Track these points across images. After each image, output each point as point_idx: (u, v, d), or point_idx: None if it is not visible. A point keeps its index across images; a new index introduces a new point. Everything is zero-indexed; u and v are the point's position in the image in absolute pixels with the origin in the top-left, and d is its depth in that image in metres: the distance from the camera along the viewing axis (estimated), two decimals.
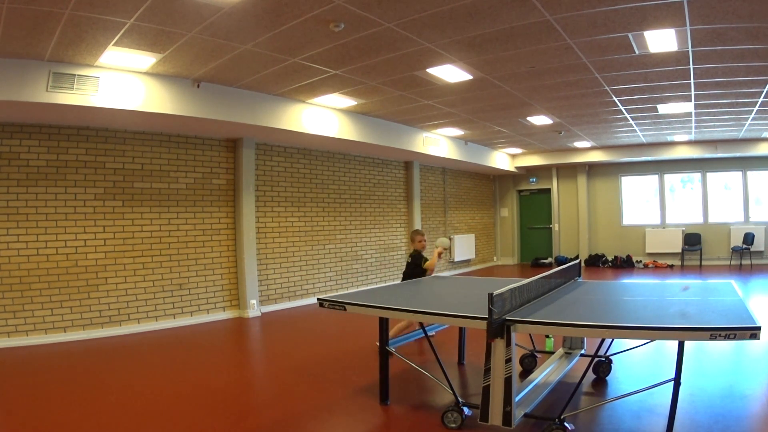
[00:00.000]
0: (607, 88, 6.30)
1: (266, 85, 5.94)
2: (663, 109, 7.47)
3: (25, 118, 5.34)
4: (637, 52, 4.92)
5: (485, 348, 2.67)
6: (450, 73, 5.61)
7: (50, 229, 5.59)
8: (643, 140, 10.65)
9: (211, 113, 5.81)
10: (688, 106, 7.34)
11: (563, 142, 10.98)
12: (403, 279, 5.28)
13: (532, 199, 13.98)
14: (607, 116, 8.17)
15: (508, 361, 2.62)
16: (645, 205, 12.74)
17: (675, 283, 4.30)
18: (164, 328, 6.26)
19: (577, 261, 4.48)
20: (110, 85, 5.00)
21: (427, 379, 3.53)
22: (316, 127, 7.01)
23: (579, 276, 4.35)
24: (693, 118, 8.22)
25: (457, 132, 9.53)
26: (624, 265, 12.20)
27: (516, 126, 8.91)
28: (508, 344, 2.62)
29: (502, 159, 12.39)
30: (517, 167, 13.15)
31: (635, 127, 9.14)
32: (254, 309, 7.13)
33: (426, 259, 5.17)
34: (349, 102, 6.91)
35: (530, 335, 4.41)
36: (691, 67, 5.40)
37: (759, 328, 2.14)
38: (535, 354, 4.15)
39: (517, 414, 2.70)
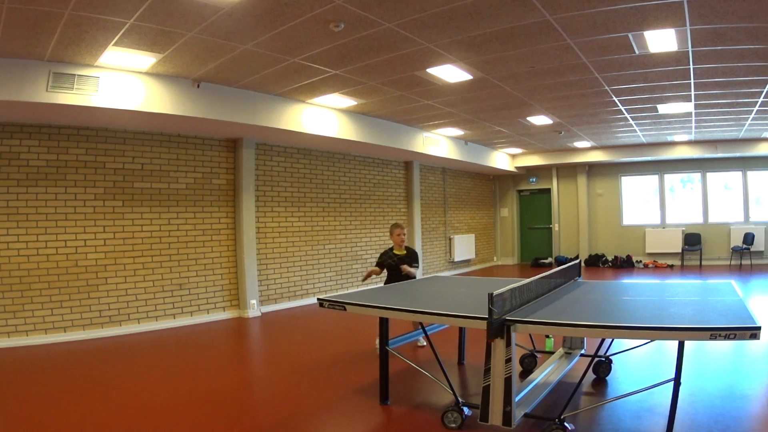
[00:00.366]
0: (607, 88, 6.30)
1: (266, 85, 5.94)
2: (663, 109, 7.47)
3: (25, 118, 5.34)
4: (637, 52, 4.92)
5: (485, 348, 2.67)
6: (450, 73, 5.61)
7: (50, 229, 5.59)
8: (643, 140, 10.65)
9: (211, 113, 5.81)
10: (688, 106, 7.34)
11: (563, 142, 10.98)
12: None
13: (532, 199, 13.98)
14: (607, 116, 8.17)
15: (508, 361, 2.62)
16: (645, 205, 12.74)
17: (675, 283, 4.30)
18: (164, 328, 6.26)
19: (577, 261, 4.47)
20: (110, 85, 5.00)
21: (427, 379, 3.53)
22: (316, 127, 7.01)
23: (579, 276, 4.35)
24: (693, 118, 8.22)
25: (457, 132, 9.53)
26: (624, 265, 12.20)
27: (516, 126, 8.91)
28: (508, 344, 2.62)
29: (502, 159, 12.39)
30: (517, 167, 13.15)
31: (635, 127, 9.14)
32: (254, 309, 7.13)
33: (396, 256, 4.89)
34: (349, 102, 6.91)
35: (530, 335, 4.41)
36: (691, 67, 5.40)
37: (759, 328, 2.14)
38: (535, 354, 4.15)
39: (517, 414, 2.70)
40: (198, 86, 5.65)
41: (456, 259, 11.88)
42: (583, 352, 3.97)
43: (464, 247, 12.21)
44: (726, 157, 11.35)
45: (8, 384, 4.04)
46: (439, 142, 9.58)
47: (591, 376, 3.82)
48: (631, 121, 8.56)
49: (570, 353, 3.91)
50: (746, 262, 11.26)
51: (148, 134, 6.35)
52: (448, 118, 8.16)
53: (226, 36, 4.36)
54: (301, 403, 3.56)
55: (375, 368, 3.57)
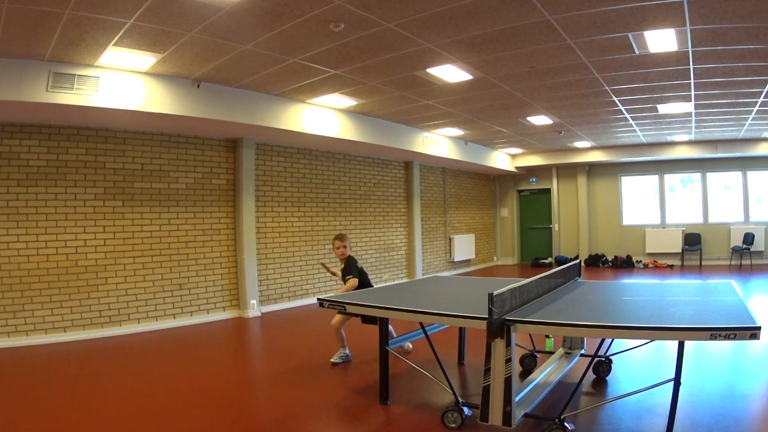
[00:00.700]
0: (607, 88, 6.30)
1: (266, 85, 5.94)
2: (663, 109, 7.47)
3: (25, 118, 5.34)
4: (637, 52, 4.92)
5: (485, 348, 2.67)
6: (450, 73, 5.61)
7: (50, 229, 5.59)
8: (643, 140, 10.65)
9: (211, 113, 5.81)
10: (688, 106, 7.34)
11: (563, 142, 10.98)
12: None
13: (532, 199, 13.98)
14: (607, 116, 8.17)
15: (508, 361, 2.62)
16: (645, 205, 12.74)
17: (675, 283, 4.30)
18: (164, 328, 6.26)
19: (577, 261, 4.47)
20: (110, 85, 5.00)
21: (427, 379, 3.53)
22: (316, 127, 7.01)
23: (579, 276, 4.35)
24: (693, 118, 8.22)
25: (457, 132, 9.53)
26: (624, 265, 12.20)
27: (516, 126, 8.91)
28: (508, 344, 2.62)
29: (502, 159, 12.39)
30: (517, 167, 13.15)
31: (635, 127, 9.14)
32: (254, 309, 7.13)
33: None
34: (349, 102, 6.91)
35: (530, 335, 4.41)
36: (691, 67, 5.40)
37: (759, 328, 2.14)
38: (535, 354, 4.15)
39: (517, 414, 2.70)
40: (198, 86, 5.65)
41: (456, 259, 11.88)
42: (583, 352, 3.97)
43: (464, 247, 12.21)
44: (726, 157, 11.35)
45: (8, 384, 4.04)
46: (439, 142, 9.58)
47: (591, 376, 3.82)
48: (631, 121, 8.56)
49: (570, 353, 3.91)
50: (746, 262, 11.26)
51: (148, 134, 6.35)
52: (448, 118, 8.16)
53: (226, 36, 4.36)
54: (301, 403, 3.56)
55: (375, 368, 3.57)
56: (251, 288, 7.14)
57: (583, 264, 12.19)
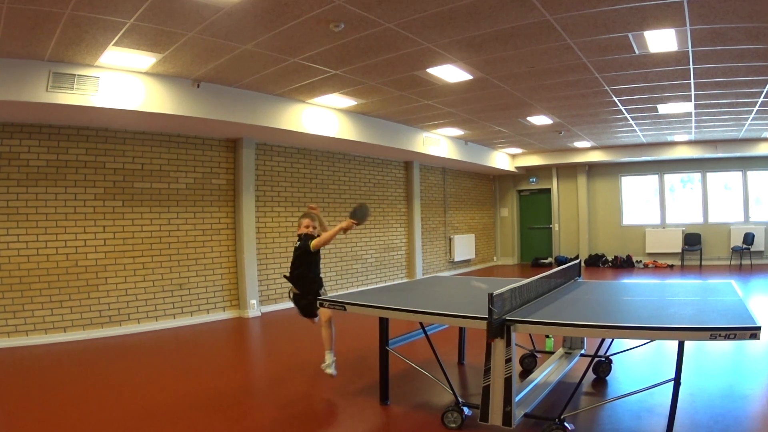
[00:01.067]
0: (607, 88, 6.30)
1: (266, 85, 5.94)
2: (663, 109, 7.47)
3: (25, 118, 5.34)
4: (637, 52, 4.92)
5: (485, 348, 2.67)
6: (450, 73, 5.61)
7: (50, 229, 5.59)
8: (643, 140, 10.65)
9: (211, 113, 5.81)
10: (688, 106, 7.34)
11: (563, 142, 10.98)
12: (294, 276, 4.24)
13: (532, 199, 13.98)
14: (607, 116, 8.17)
15: (508, 361, 2.62)
16: (645, 205, 12.74)
17: (675, 283, 4.30)
18: (164, 328, 6.26)
19: (577, 261, 4.47)
20: (110, 85, 5.00)
21: (427, 379, 3.53)
22: (316, 127, 7.01)
23: (579, 276, 4.35)
24: (693, 118, 8.22)
25: (457, 132, 9.53)
26: (624, 265, 12.20)
27: (516, 126, 8.91)
28: (508, 344, 2.62)
29: (502, 159, 12.39)
30: (517, 167, 13.15)
31: (635, 127, 9.14)
32: (254, 309, 7.13)
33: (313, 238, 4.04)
34: (349, 102, 6.91)
35: (530, 335, 4.41)
36: (691, 67, 5.40)
37: (759, 328, 2.14)
38: (535, 354, 4.15)
39: (517, 414, 2.70)
40: (198, 86, 5.65)
41: (456, 259, 11.88)
42: (583, 352, 3.97)
43: (464, 247, 12.21)
44: (726, 157, 11.34)
45: (8, 384, 4.04)
46: (439, 142, 9.58)
47: (591, 376, 3.82)
48: (631, 121, 8.56)
49: (570, 353, 3.91)
50: (746, 262, 11.26)
51: (148, 134, 6.35)
52: (448, 118, 8.16)
53: (226, 36, 4.36)
54: (301, 403, 3.56)
55: (375, 368, 3.57)
56: (251, 288, 7.14)
57: (583, 264, 12.18)
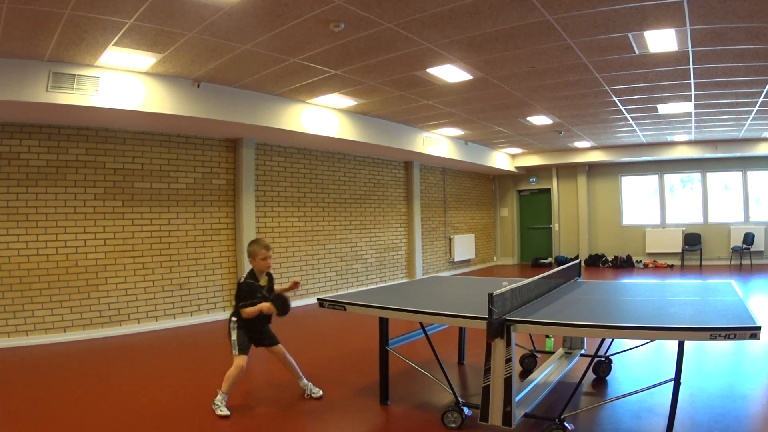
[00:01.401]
0: (607, 88, 6.30)
1: (266, 85, 5.94)
2: (663, 109, 7.47)
3: (25, 118, 5.34)
4: (637, 52, 4.92)
5: (485, 348, 2.67)
6: (450, 73, 5.61)
7: (50, 229, 5.59)
8: (643, 140, 10.65)
9: (211, 113, 5.81)
10: (688, 106, 7.34)
11: (563, 142, 10.98)
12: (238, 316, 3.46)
13: (532, 199, 13.98)
14: (607, 116, 8.16)
15: (508, 361, 2.62)
16: (645, 205, 12.74)
17: (675, 283, 4.30)
18: (164, 328, 6.26)
19: (577, 261, 4.47)
20: (110, 85, 5.00)
21: (427, 379, 3.53)
22: (316, 127, 7.01)
23: (579, 276, 4.35)
24: (693, 118, 8.22)
25: (457, 132, 9.53)
26: (624, 265, 12.20)
27: (516, 126, 8.91)
28: (508, 344, 2.62)
29: (502, 159, 12.39)
30: (517, 167, 13.15)
31: (635, 127, 9.14)
32: None
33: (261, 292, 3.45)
34: (349, 102, 6.91)
35: (530, 335, 4.41)
36: (691, 67, 5.40)
37: (759, 328, 2.14)
38: (535, 354, 4.15)
39: (517, 414, 2.70)
40: (198, 86, 5.65)
41: (456, 259, 11.88)
42: (583, 352, 3.97)
43: (464, 247, 12.21)
44: (726, 157, 11.34)
45: (8, 384, 4.04)
46: (439, 142, 9.58)
47: (591, 376, 3.82)
48: (631, 121, 8.55)
49: (570, 353, 3.91)
50: (746, 262, 11.26)
51: (148, 134, 6.35)
52: (448, 118, 8.16)
53: (226, 36, 4.36)
54: (302, 402, 3.56)
55: (375, 368, 3.57)
56: None
57: (583, 264, 12.18)
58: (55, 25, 3.91)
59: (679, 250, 11.91)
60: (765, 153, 10.75)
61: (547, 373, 3.47)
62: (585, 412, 3.16)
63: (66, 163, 5.70)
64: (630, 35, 4.49)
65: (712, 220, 11.90)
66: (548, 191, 13.60)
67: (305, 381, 3.68)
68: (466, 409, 3.00)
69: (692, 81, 5.95)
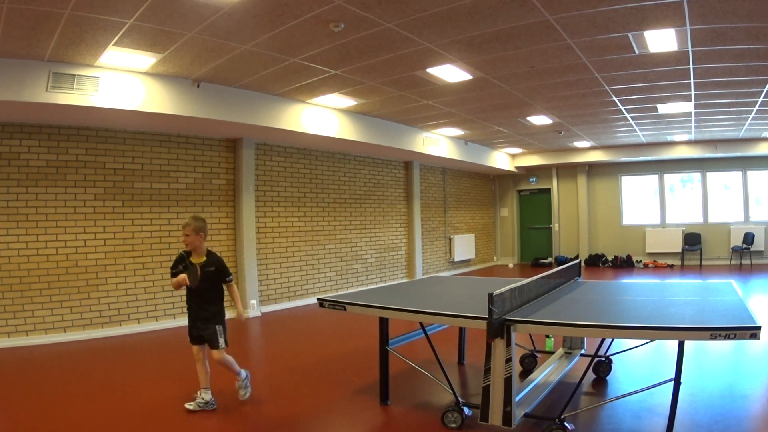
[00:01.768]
0: (607, 88, 6.30)
1: (266, 85, 5.94)
2: (663, 109, 7.47)
3: (25, 118, 5.34)
4: (637, 52, 4.92)
5: (485, 348, 2.68)
6: (450, 73, 5.61)
7: (50, 230, 5.59)
8: (643, 140, 10.65)
9: (211, 113, 5.81)
10: (688, 106, 7.34)
11: (563, 142, 10.98)
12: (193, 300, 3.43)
13: (532, 199, 13.98)
14: (607, 116, 8.16)
15: (508, 361, 2.62)
16: (645, 204, 12.74)
17: (675, 283, 4.30)
18: (164, 328, 6.26)
19: (577, 261, 4.47)
20: (110, 85, 5.00)
21: (427, 379, 3.53)
22: (316, 127, 7.01)
23: (579, 276, 4.35)
24: (693, 117, 8.22)
25: (457, 132, 9.53)
26: (624, 265, 12.20)
27: (516, 126, 8.91)
28: (508, 344, 2.62)
29: (502, 159, 12.39)
30: (517, 167, 13.15)
31: (635, 127, 9.14)
32: (254, 309, 7.13)
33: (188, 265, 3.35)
34: (349, 102, 6.91)
35: (530, 335, 4.41)
36: (691, 67, 5.40)
37: (759, 328, 2.14)
38: (535, 354, 4.15)
39: (517, 414, 2.70)
40: (198, 86, 5.65)
41: (456, 259, 11.88)
42: (583, 352, 3.97)
43: (464, 247, 12.21)
44: (726, 157, 11.35)
45: (8, 384, 4.04)
46: (439, 142, 9.58)
47: (591, 376, 3.82)
48: (631, 121, 8.55)
49: (570, 353, 3.91)
50: (746, 261, 11.26)
51: (148, 134, 6.35)
52: (448, 118, 8.16)
53: (226, 36, 4.36)
54: (301, 403, 3.56)
55: (375, 368, 3.57)
56: (251, 288, 7.14)
57: (583, 264, 12.18)
58: (55, 25, 3.91)
59: (679, 250, 11.91)
60: (765, 153, 10.75)
61: (547, 373, 3.47)
62: (585, 412, 3.16)
63: (66, 163, 5.70)
64: (630, 35, 4.49)
65: (712, 219, 11.90)
66: (548, 191, 13.60)
67: (206, 394, 3.40)
68: (466, 409, 3.00)
69: (692, 81, 5.95)
